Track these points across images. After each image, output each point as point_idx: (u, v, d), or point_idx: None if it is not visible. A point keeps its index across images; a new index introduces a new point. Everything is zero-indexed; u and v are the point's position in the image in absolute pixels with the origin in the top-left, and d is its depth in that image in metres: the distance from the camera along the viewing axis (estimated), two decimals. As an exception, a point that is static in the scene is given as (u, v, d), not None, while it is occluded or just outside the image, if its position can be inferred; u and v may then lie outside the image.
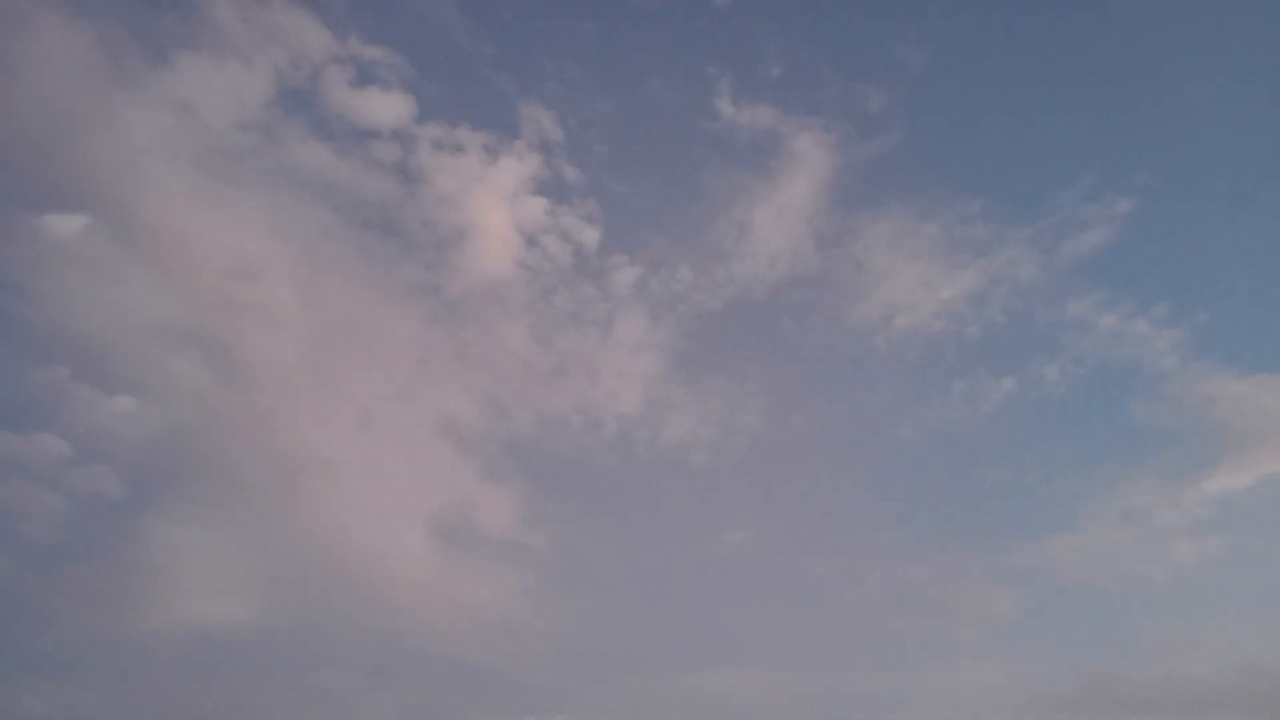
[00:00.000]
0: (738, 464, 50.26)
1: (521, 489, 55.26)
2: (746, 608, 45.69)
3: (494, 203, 59.95)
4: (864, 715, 40.87)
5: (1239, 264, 48.94)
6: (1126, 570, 45.33)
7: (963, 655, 43.41)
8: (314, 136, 56.21)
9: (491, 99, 52.11)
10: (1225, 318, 48.10)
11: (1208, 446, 46.83)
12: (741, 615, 45.51)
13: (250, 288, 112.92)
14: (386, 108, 50.67)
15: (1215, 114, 49.63)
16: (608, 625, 49.52)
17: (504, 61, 51.91)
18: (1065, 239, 48.81)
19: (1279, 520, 44.84)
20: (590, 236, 52.58)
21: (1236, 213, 49.21)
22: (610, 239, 52.82)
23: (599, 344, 56.18)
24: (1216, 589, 44.05)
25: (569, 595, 53.31)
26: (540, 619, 53.34)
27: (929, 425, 48.86)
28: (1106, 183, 49.06)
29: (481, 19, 51.41)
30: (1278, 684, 38.35)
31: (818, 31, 52.04)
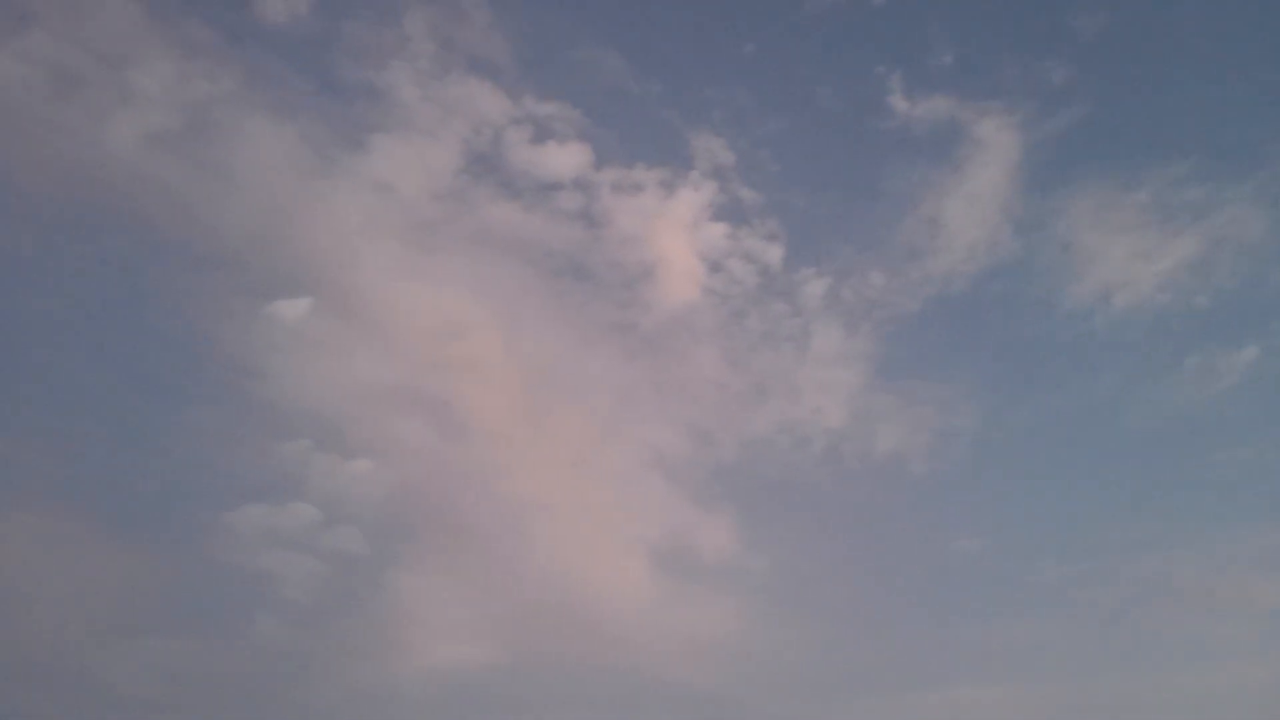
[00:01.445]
0: (958, 469, 48.41)
1: (735, 513, 55.15)
2: (983, 619, 43.75)
3: (675, 234, 60.68)
4: (1122, 724, 38.17)
5: None
6: None
7: (1224, 653, 39.85)
8: (502, 196, 58.91)
9: (662, 135, 53.04)
10: None
11: None
12: (978, 627, 43.60)
13: (459, 346, 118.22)
14: (565, 159, 52.51)
15: None
16: (837, 646, 48.49)
17: (670, 97, 52.76)
18: (1295, 189, 44.56)
19: None
20: (774, 254, 52.33)
21: None
22: (795, 254, 52.38)
23: (796, 360, 55.58)
24: None
25: (794, 617, 52.62)
26: (767, 643, 52.84)
27: (1163, 407, 45.52)
28: (1337, 120, 44.53)
29: (644, 60, 52.55)
30: None
31: (985, 12, 50.12)
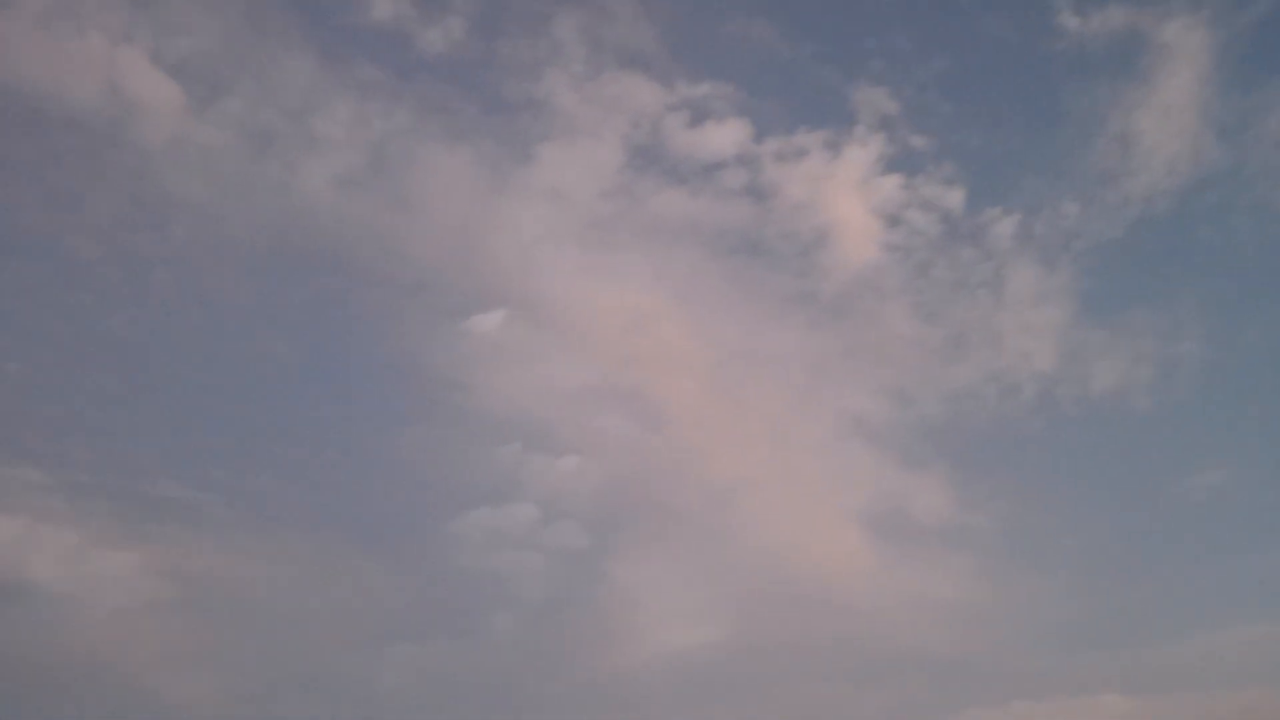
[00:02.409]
0: (1187, 399, 45.20)
1: (947, 472, 53.57)
2: (1238, 553, 40.71)
3: (846, 195, 59.48)
4: None
5: None
6: None
7: None
8: (667, 184, 59.49)
9: (821, 95, 52.02)
10: None
11: None
12: (1230, 563, 40.61)
13: (647, 337, 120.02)
14: (725, 137, 52.44)
15: None
16: (1076, 596, 46.25)
17: (824, 55, 51.66)
18: None
19: None
20: (954, 199, 50.39)
21: None
22: (977, 195, 50.25)
23: (993, 306, 53.35)
24: None
25: (1025, 571, 50.61)
26: (1004, 600, 51.10)
27: None
28: None
29: (793, 23, 51.66)
30: None
31: (1157, -94, 46.36)
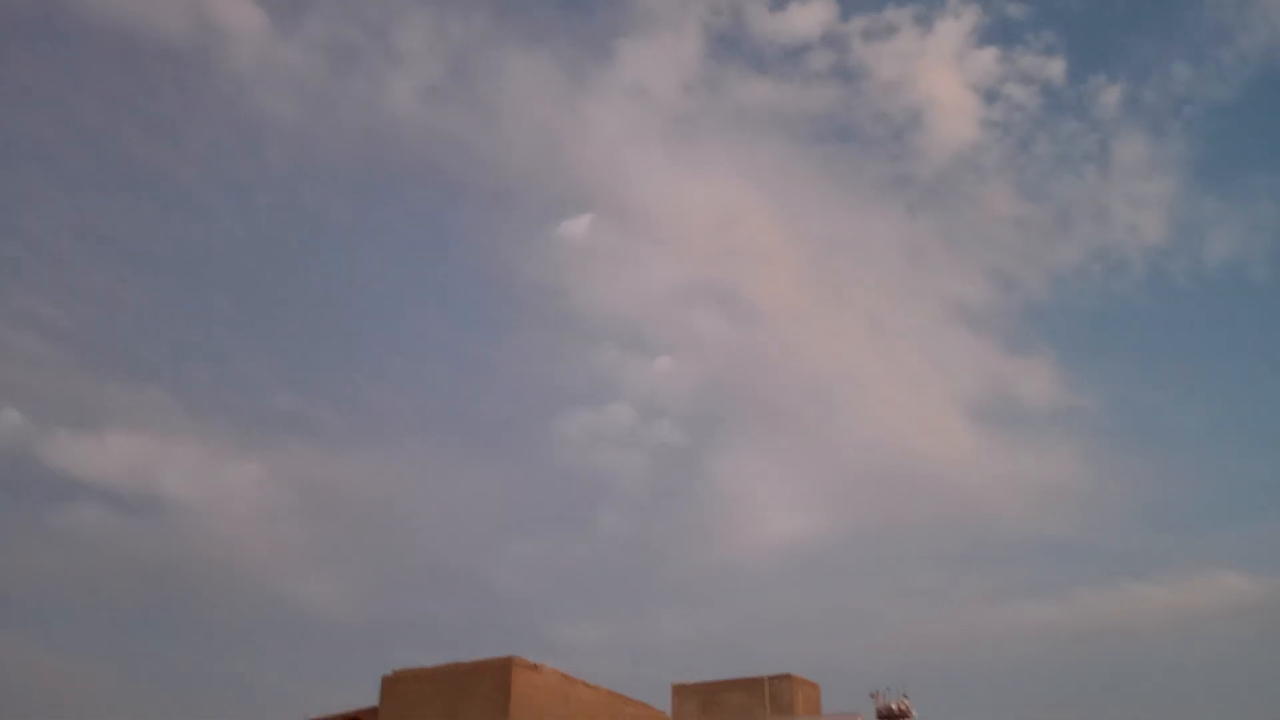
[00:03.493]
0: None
1: (1054, 354, 52.25)
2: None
3: (940, 71, 57.13)
4: None
5: None
6: None
7: None
8: (751, 72, 57.83)
9: (907, -31, 49.52)
10: None
11: None
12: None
13: (737, 232, 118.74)
14: (809, 17, 50.57)
15: None
16: (1190, 476, 45.16)
17: (909, -75, 49.06)
18: None
19: None
20: (1055, 69, 47.79)
21: None
22: (1079, 64, 47.58)
23: (1099, 179, 51.01)
24: None
25: (1137, 452, 49.48)
26: (1110, 482, 50.20)
27: None
28: None
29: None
30: None
31: None
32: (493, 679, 26.04)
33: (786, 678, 38.86)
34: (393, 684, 27.14)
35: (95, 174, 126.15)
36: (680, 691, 39.80)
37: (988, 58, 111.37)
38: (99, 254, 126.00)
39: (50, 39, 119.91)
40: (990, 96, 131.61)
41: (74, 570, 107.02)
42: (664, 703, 38.96)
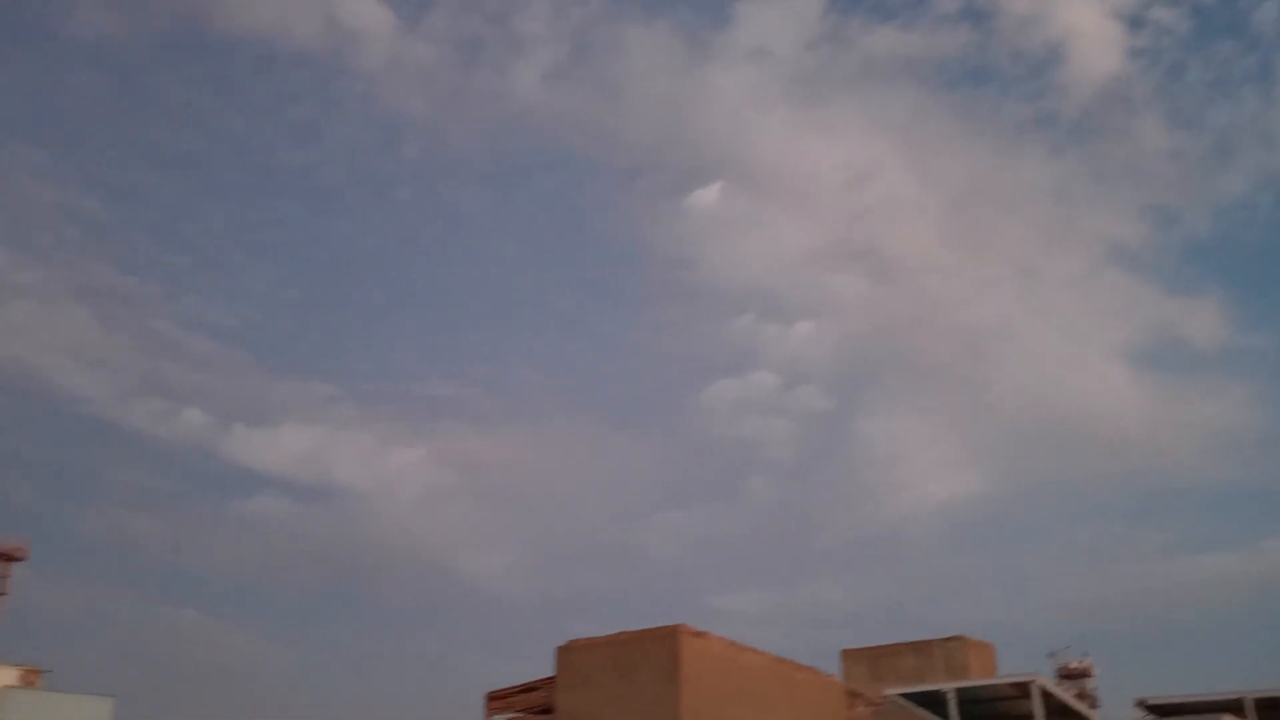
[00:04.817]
0: None
1: (1221, 292, 48.95)
2: None
3: (1079, 1, 54.18)
4: None
5: None
6: None
7: None
8: (876, 22, 56.08)
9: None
10: None
11: None
12: None
13: (872, 188, 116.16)
14: (938, -43, 48.59)
15: None
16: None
17: None
18: None
19: None
20: (1213, -17, 44.32)
21: None
22: (1242, -25, 44.01)
23: (1261, 102, 47.30)
24: None
25: (1328, 388, 45.85)
26: (1291, 423, 46.81)
27: None
28: None
29: None
30: None
31: None
32: (661, 647, 26.15)
33: (959, 639, 37.75)
34: (566, 653, 27.61)
35: (246, 180, 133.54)
36: (850, 656, 39.19)
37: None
38: (257, 257, 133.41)
39: (194, 55, 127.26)
40: (1135, 23, 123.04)
41: (257, 556, 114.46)
42: (833, 669, 38.53)
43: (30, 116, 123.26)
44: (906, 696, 26.03)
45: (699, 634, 26.83)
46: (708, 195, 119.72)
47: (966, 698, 24.85)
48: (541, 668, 28.72)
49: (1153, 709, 26.78)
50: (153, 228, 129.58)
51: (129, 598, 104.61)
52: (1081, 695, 47.09)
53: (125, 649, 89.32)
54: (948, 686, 24.79)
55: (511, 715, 29.44)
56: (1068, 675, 54.06)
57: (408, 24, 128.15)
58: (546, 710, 28.03)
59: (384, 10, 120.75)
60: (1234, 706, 26.04)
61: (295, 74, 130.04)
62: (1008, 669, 37.68)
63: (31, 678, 49.86)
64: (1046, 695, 24.21)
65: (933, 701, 25.12)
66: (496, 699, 29.77)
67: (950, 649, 37.58)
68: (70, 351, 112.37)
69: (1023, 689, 24.55)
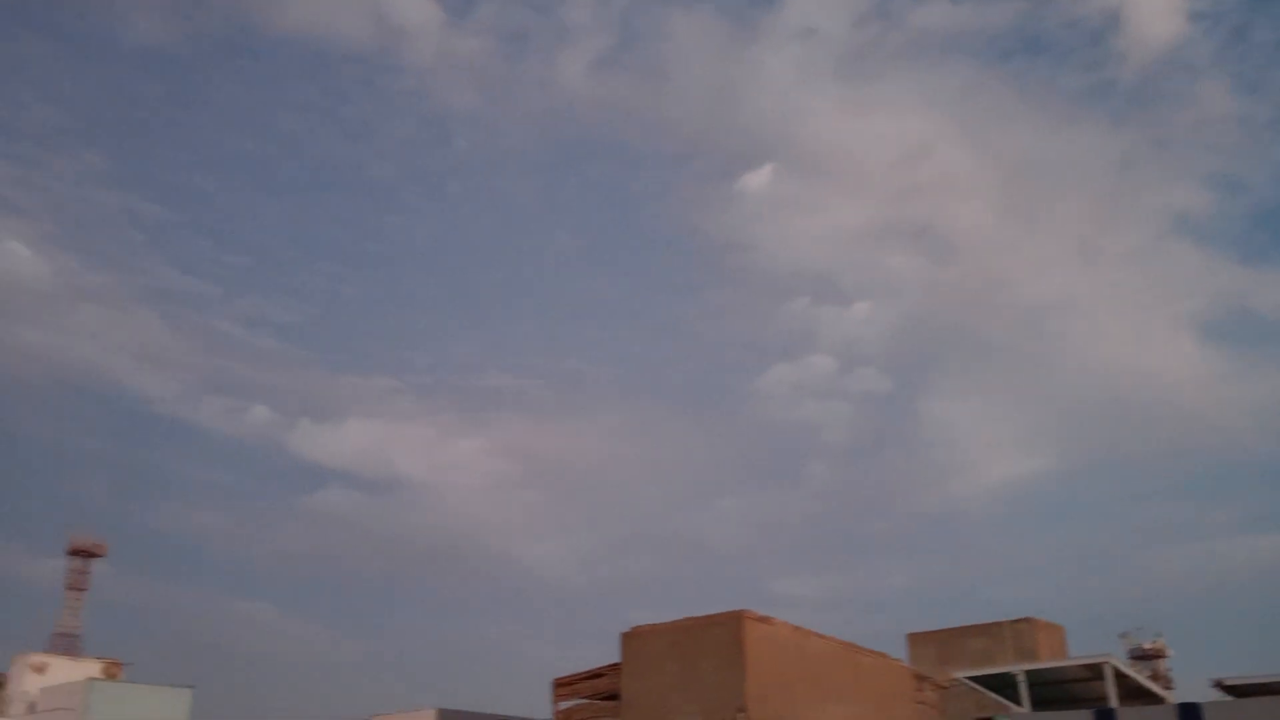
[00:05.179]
0: None
1: (1299, 257, 47.44)
2: None
3: (1144, -38, 52.88)
4: None
5: None
6: None
7: None
8: (929, -7, 55.07)
9: None
10: None
11: None
12: None
13: (926, 165, 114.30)
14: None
15: None
16: None
17: None
18: None
19: None
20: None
21: None
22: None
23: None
24: None
25: None
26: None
27: None
28: None
29: None
30: None
31: None
32: (725, 632, 26.16)
33: (1028, 621, 37.20)
34: (631, 640, 27.76)
35: (301, 179, 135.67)
36: (916, 639, 38.85)
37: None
38: (315, 254, 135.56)
39: (246, 57, 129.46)
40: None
41: (324, 548, 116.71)
42: (898, 653, 38.26)
43: (93, 124, 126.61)
44: (975, 679, 25.70)
45: (763, 619, 26.79)
46: (759, 178, 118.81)
47: (1037, 680, 24.47)
48: (605, 654, 28.93)
49: (1231, 689, 26.14)
50: (213, 229, 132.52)
51: (203, 591, 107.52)
52: (1155, 676, 46.11)
53: (201, 641, 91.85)
54: (1018, 669, 24.42)
55: (577, 701, 29.72)
56: (1141, 656, 52.90)
57: (455, 19, 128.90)
58: (612, 696, 28.25)
59: (432, 6, 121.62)
60: (1317, 686, 25.29)
61: (346, 72, 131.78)
62: (1078, 650, 37.05)
63: (114, 670, 51.52)
64: (1120, 677, 23.76)
65: (1002, 684, 24.79)
66: (563, 685, 30.06)
67: (1019, 631, 37.05)
68: (139, 353, 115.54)
69: (1095, 670, 24.11)
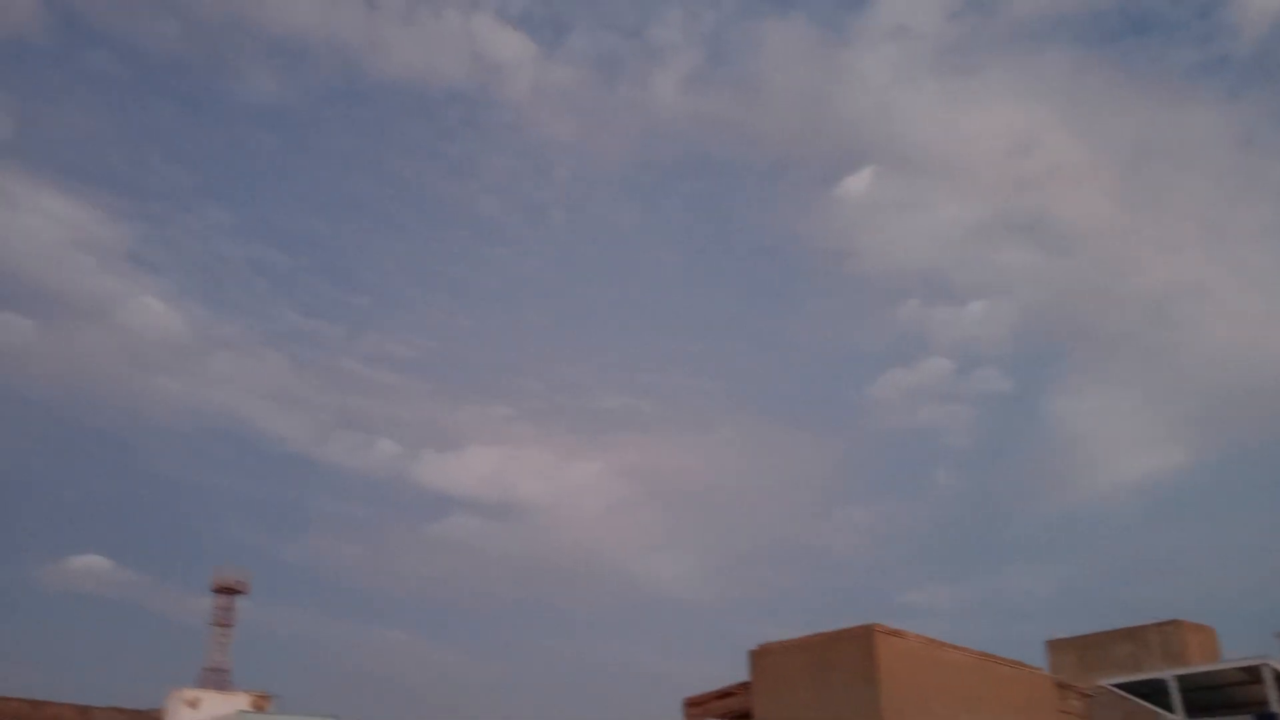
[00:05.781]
0: None
1: None
2: None
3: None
4: None
5: None
6: None
7: None
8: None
9: None
10: None
11: None
12: None
13: (1034, 156, 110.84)
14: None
15: None
16: None
17: None
18: None
19: None
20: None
21: None
22: None
23: None
24: None
25: None
26: None
27: None
28: None
29: None
30: None
31: None
32: (857, 647, 25.78)
33: (1175, 624, 35.50)
34: (760, 657, 27.63)
35: (412, 218, 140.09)
36: (1057, 646, 37.51)
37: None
38: (429, 290, 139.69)
39: (354, 105, 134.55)
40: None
41: (453, 574, 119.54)
42: (1038, 661, 37.02)
43: (216, 180, 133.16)
44: (1122, 687, 24.70)
45: (894, 632, 26.32)
46: (859, 182, 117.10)
47: (1189, 685, 23.39)
48: (731, 671, 28.84)
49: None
50: (332, 272, 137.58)
51: (342, 622, 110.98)
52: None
53: (343, 671, 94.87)
54: (1169, 674, 23.39)
55: (710, 721, 29.69)
56: (1302, 656, 49.80)
57: (547, 50, 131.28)
58: (744, 715, 28.13)
59: (524, 40, 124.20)
60: None
61: (448, 112, 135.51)
62: (1231, 652, 35.16)
63: (262, 703, 53.72)
64: (1281, 679, 22.51)
65: (1152, 691, 23.78)
66: (694, 705, 30.08)
67: (1166, 634, 35.40)
68: (270, 394, 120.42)
69: (1253, 673, 22.90)
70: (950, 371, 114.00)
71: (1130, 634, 35.86)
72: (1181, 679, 23.20)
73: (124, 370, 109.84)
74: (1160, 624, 35.56)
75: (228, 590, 59.99)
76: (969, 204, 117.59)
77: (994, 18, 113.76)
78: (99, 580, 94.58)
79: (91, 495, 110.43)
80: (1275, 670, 22.62)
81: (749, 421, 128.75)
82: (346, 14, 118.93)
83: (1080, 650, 36.44)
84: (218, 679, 58.32)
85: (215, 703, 52.79)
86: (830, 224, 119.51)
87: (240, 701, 52.54)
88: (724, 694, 29.04)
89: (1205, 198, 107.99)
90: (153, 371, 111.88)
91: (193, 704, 52.85)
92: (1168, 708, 23.23)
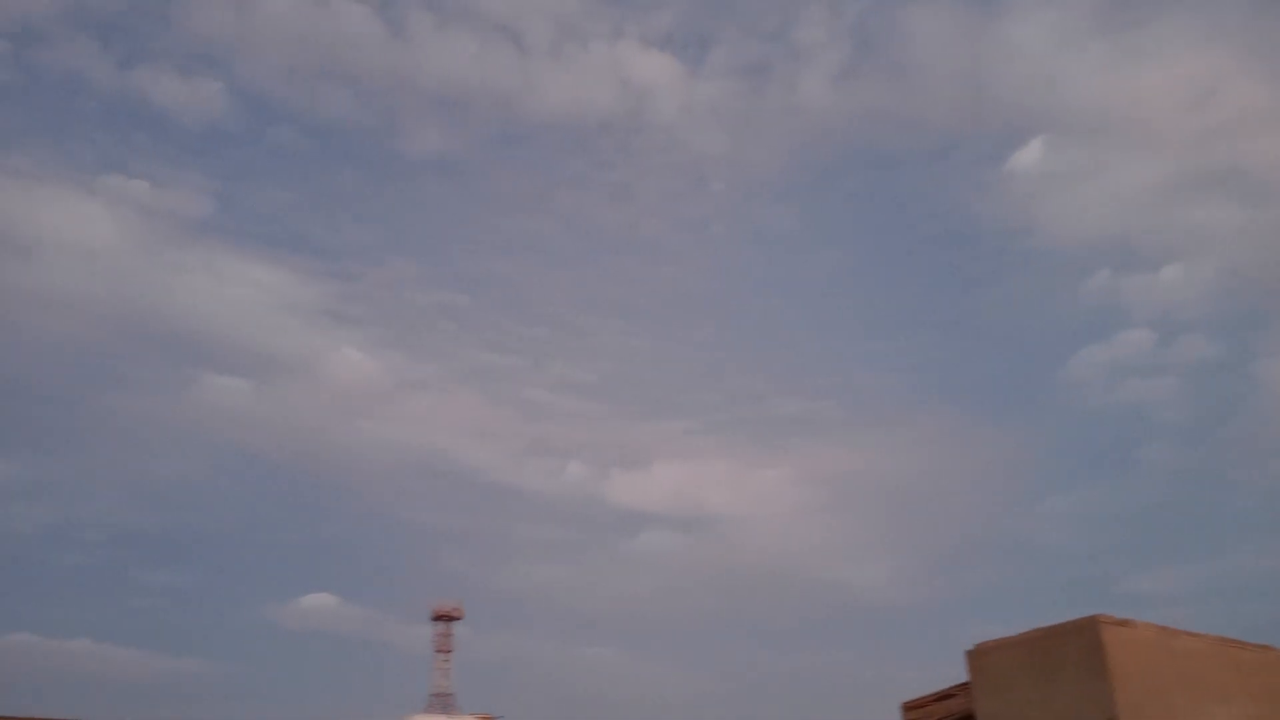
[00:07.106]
0: None
1: None
2: None
3: None
4: None
5: None
6: None
7: None
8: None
9: None
10: None
11: None
12: None
13: (1218, 104, 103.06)
14: None
15: None
16: None
17: None
18: None
19: None
20: None
21: None
22: None
23: None
24: None
25: None
26: None
27: None
28: None
29: None
30: None
31: None
32: (1082, 640, 24.59)
33: None
34: (978, 657, 26.77)
35: (580, 248, 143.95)
36: (1305, 628, 34.48)
37: None
38: (604, 314, 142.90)
39: (516, 147, 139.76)
40: None
41: (652, 589, 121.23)
42: (1285, 643, 34.17)
43: (398, 233, 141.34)
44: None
45: (1122, 622, 24.98)
46: (1029, 154, 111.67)
47: None
48: (949, 672, 28.06)
49: None
50: (512, 307, 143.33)
51: (552, 642, 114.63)
52: None
53: (557, 690, 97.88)
54: None
55: (931, 724, 28.97)
56: None
57: (692, 67, 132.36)
58: (966, 717, 27.30)
59: (669, 60, 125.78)
60: None
61: (601, 141, 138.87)
62: None
63: (487, 723, 56.23)
64: None
65: None
66: (913, 709, 29.43)
67: None
68: (466, 429, 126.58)
69: None
70: (1151, 342, 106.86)
71: (1395, 610, 32.57)
72: None
73: (332, 418, 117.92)
74: None
75: (446, 617, 63.14)
76: (1152, 163, 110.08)
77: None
78: (328, 616, 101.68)
79: (315, 537, 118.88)
80: None
81: (938, 415, 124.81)
82: (499, 59, 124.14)
83: (1337, 631, 33.39)
84: (444, 703, 61.42)
85: (444, 726, 55.60)
86: (1005, 202, 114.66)
87: (466, 723, 55.19)
88: (943, 696, 28.29)
89: None
90: (355, 416, 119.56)
91: (423, 728, 55.82)
92: None
